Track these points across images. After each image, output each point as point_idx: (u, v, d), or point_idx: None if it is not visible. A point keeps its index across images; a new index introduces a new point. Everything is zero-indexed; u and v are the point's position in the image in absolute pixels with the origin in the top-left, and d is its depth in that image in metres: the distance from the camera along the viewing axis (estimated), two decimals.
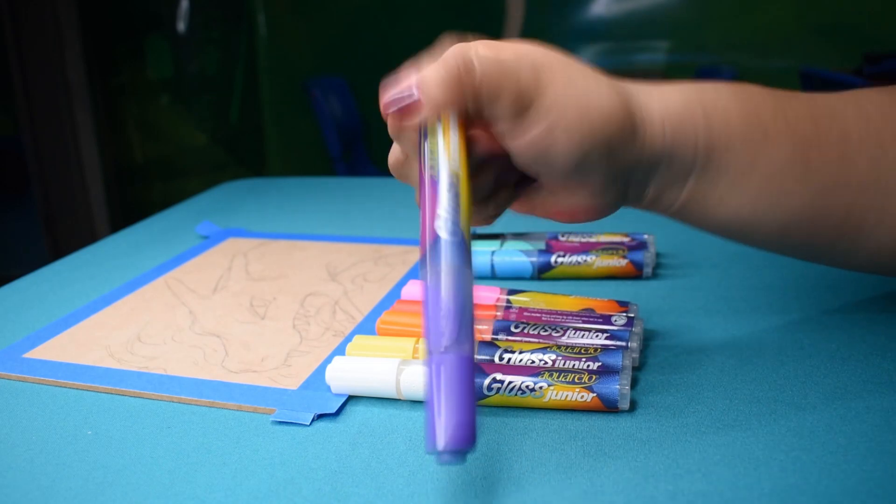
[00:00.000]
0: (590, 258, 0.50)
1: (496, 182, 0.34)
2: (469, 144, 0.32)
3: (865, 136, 0.33)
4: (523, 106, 0.30)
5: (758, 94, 0.34)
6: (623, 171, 0.32)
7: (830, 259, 0.36)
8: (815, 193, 0.33)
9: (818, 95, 0.35)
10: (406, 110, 0.30)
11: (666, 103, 0.32)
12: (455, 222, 0.28)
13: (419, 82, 0.30)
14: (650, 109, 0.32)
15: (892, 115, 0.34)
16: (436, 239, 0.28)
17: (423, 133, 0.31)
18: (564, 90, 0.30)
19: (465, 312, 0.26)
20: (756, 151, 0.32)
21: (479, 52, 0.30)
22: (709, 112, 0.32)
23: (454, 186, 0.29)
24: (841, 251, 0.35)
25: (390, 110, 0.31)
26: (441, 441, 0.25)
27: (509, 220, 0.50)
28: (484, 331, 0.39)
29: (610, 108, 0.30)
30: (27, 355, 0.42)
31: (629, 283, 0.49)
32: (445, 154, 0.30)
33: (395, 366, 0.35)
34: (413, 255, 0.57)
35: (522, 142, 0.30)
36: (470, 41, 0.31)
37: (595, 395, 0.33)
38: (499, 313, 0.42)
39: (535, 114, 0.30)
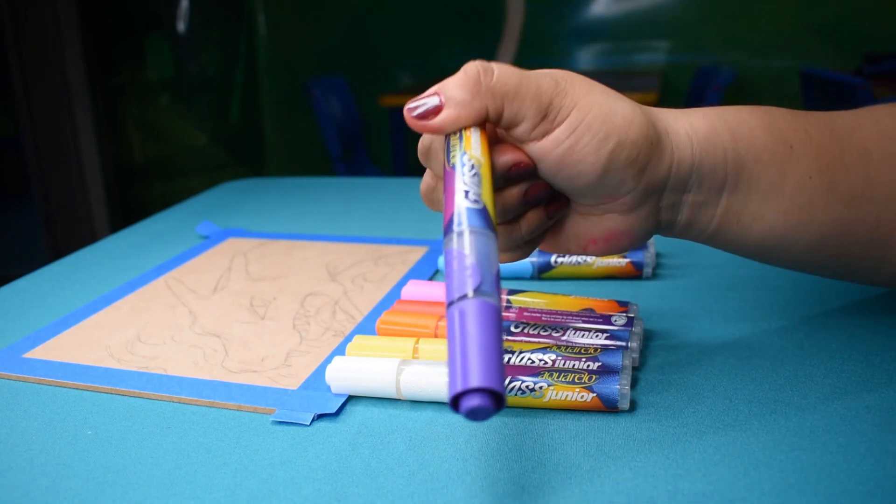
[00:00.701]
0: (590, 258, 0.50)
1: (525, 201, 0.33)
2: (493, 148, 0.31)
3: (885, 152, 0.34)
4: (544, 106, 0.30)
5: (778, 112, 0.34)
6: (654, 186, 0.32)
7: (862, 274, 0.37)
8: (843, 207, 0.33)
9: (836, 113, 0.35)
10: (427, 113, 0.31)
11: (690, 121, 0.32)
12: (476, 193, 0.28)
13: (440, 87, 0.31)
14: (675, 127, 0.32)
15: None
16: (455, 211, 0.27)
17: (448, 139, 0.31)
18: (587, 96, 0.30)
19: (490, 267, 0.25)
20: (783, 165, 0.33)
21: (499, 63, 0.31)
22: (733, 129, 0.32)
23: (475, 168, 0.29)
24: (871, 265, 0.35)
25: (413, 114, 0.31)
26: (464, 381, 0.21)
27: None
28: None
29: (632, 114, 0.31)
30: (27, 355, 0.42)
31: (629, 283, 0.49)
32: (466, 144, 0.30)
33: (395, 366, 0.35)
34: (413, 254, 0.57)
35: (547, 144, 0.30)
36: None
37: (595, 395, 0.33)
38: None
39: (558, 115, 0.30)
